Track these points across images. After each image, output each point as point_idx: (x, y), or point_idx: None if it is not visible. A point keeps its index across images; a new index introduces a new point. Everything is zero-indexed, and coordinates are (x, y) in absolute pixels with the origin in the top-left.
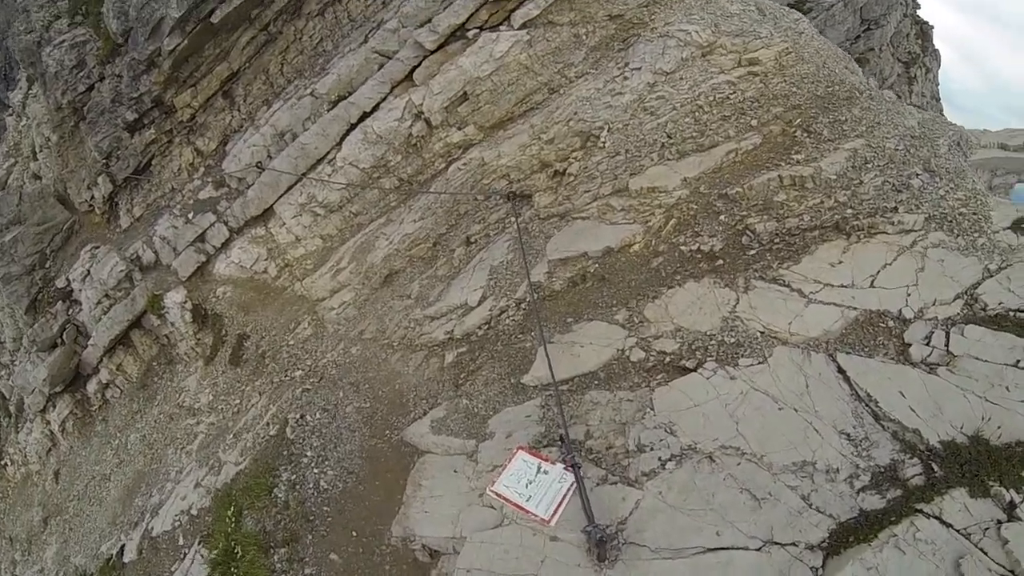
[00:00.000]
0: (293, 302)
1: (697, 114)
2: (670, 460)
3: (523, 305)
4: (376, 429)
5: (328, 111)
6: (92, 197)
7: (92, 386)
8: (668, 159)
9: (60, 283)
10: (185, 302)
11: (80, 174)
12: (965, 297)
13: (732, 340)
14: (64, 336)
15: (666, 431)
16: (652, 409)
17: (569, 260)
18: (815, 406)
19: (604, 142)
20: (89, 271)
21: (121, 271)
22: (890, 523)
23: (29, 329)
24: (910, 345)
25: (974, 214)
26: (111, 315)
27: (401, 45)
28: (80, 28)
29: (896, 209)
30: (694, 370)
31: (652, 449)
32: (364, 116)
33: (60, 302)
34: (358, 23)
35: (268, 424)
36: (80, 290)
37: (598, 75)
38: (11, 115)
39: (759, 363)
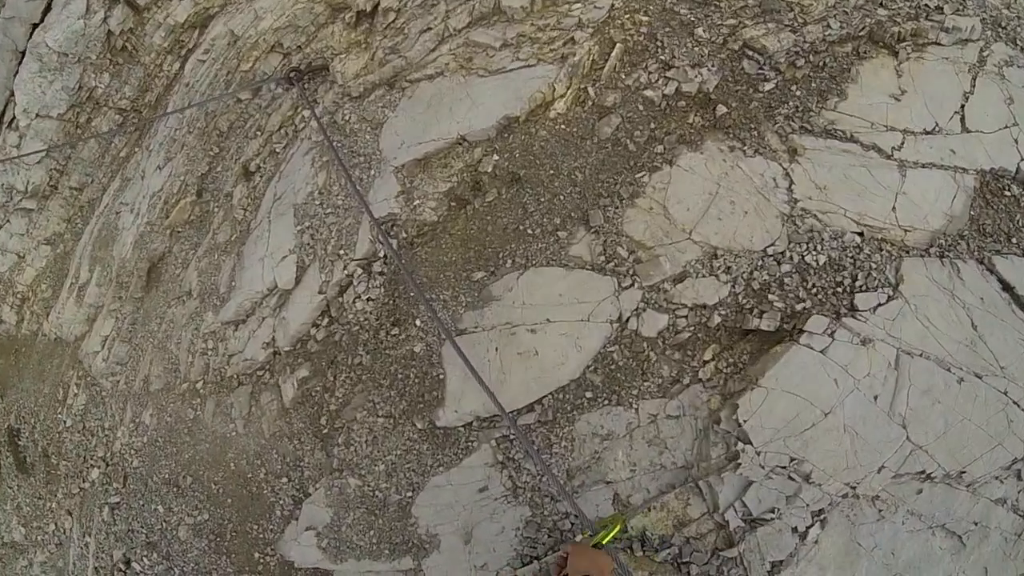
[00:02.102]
0: (50, 353)
1: None
2: (812, 525)
3: (378, 266)
4: (238, 557)
5: None
6: None
7: None
8: None
9: None
10: None
11: None
12: None
13: (820, 259)
14: None
15: (787, 474)
16: (735, 436)
17: (434, 160)
18: (998, 360)
19: None
20: None
21: None
22: None
23: None
24: None
25: (1018, 18)
26: None
27: None
28: None
29: (941, 9)
30: (790, 337)
31: (777, 516)
32: (33, 31)
33: None
34: None
35: (97, 571)
36: None
37: None
38: None
39: (888, 299)
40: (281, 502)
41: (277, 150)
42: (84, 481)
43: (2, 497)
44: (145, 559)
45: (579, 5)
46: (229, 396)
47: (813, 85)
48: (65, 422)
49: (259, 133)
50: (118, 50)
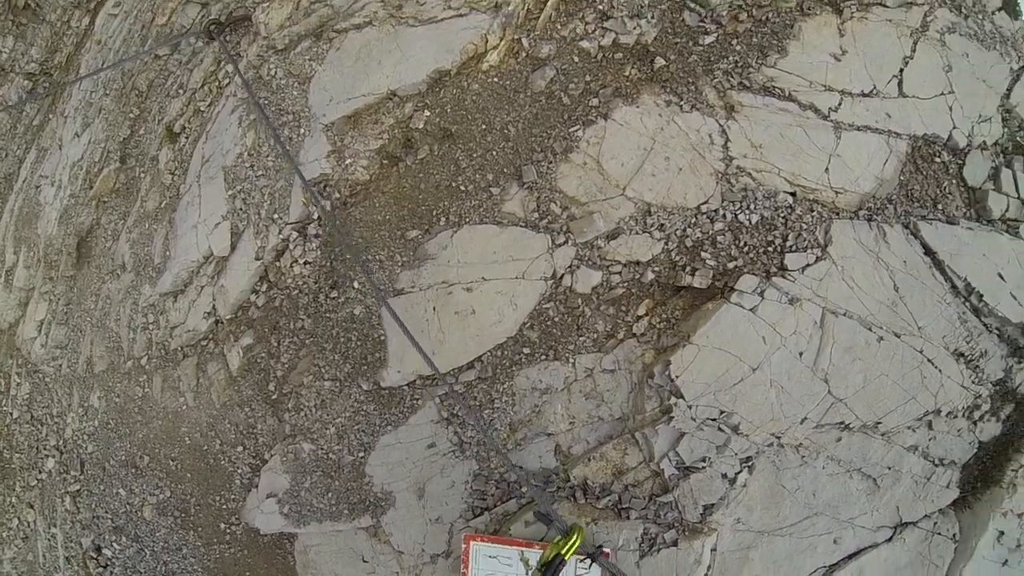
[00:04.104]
0: None
1: None
2: (740, 472)
3: (313, 228)
4: (205, 530)
5: None
6: None
7: None
8: None
9: None
10: None
11: None
12: (1001, 111)
13: (753, 219)
14: None
15: (717, 426)
16: (668, 390)
17: (364, 116)
18: (916, 320)
19: None
20: None
21: None
22: (1015, 451)
23: None
24: (976, 190)
25: None
26: None
27: None
28: None
29: None
30: (720, 295)
31: (708, 464)
32: None
33: None
34: None
35: (69, 561)
36: None
37: None
38: None
39: (816, 260)
40: (239, 471)
41: (202, 108)
42: (40, 472)
43: None
44: (115, 544)
45: None
46: (176, 370)
47: (754, 40)
48: (12, 414)
49: (181, 91)
50: (20, 8)
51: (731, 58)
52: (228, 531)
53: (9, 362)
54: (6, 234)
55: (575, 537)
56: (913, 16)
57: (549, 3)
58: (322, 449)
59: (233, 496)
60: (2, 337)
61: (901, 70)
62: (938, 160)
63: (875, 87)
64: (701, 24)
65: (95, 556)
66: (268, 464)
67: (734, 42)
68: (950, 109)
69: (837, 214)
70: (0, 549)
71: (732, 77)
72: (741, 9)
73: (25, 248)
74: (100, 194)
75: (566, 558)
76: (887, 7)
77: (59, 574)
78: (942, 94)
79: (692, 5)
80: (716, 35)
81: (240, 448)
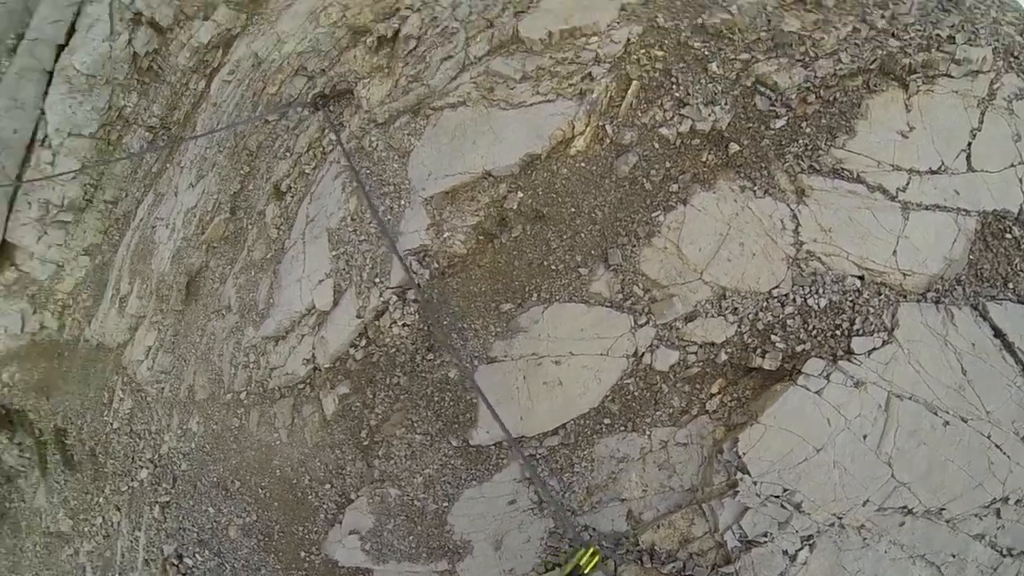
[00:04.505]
0: (94, 360)
1: None
2: (802, 548)
3: (412, 294)
4: (285, 555)
5: (8, 66)
6: None
7: None
8: None
9: None
10: None
11: None
12: None
13: (821, 302)
14: None
15: (780, 503)
16: (736, 466)
17: (461, 193)
18: (984, 404)
19: None
20: None
21: None
22: None
23: None
24: None
25: None
26: None
27: None
28: None
29: (953, 39)
30: (788, 377)
31: (770, 539)
32: (59, 52)
33: None
34: None
35: (148, 564)
36: None
37: None
38: None
39: (883, 343)
40: (325, 506)
41: (307, 171)
42: (132, 480)
43: (50, 490)
44: (197, 555)
45: (596, 39)
46: (272, 407)
47: (823, 122)
48: (112, 424)
49: (288, 154)
50: (144, 70)
51: (801, 141)
52: (307, 560)
53: (115, 378)
54: (123, 265)
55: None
56: (979, 85)
57: (630, 91)
58: (408, 495)
59: (316, 528)
60: (110, 355)
61: (969, 143)
62: (1008, 236)
63: (943, 163)
64: (772, 108)
65: (176, 563)
66: (354, 503)
67: (804, 124)
68: (1020, 181)
69: (904, 297)
70: (79, 542)
71: (802, 160)
72: (809, 91)
73: (139, 280)
74: (210, 240)
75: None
76: (952, 77)
77: (134, 573)
78: (1012, 165)
79: (762, 89)
80: (786, 119)
81: (328, 486)
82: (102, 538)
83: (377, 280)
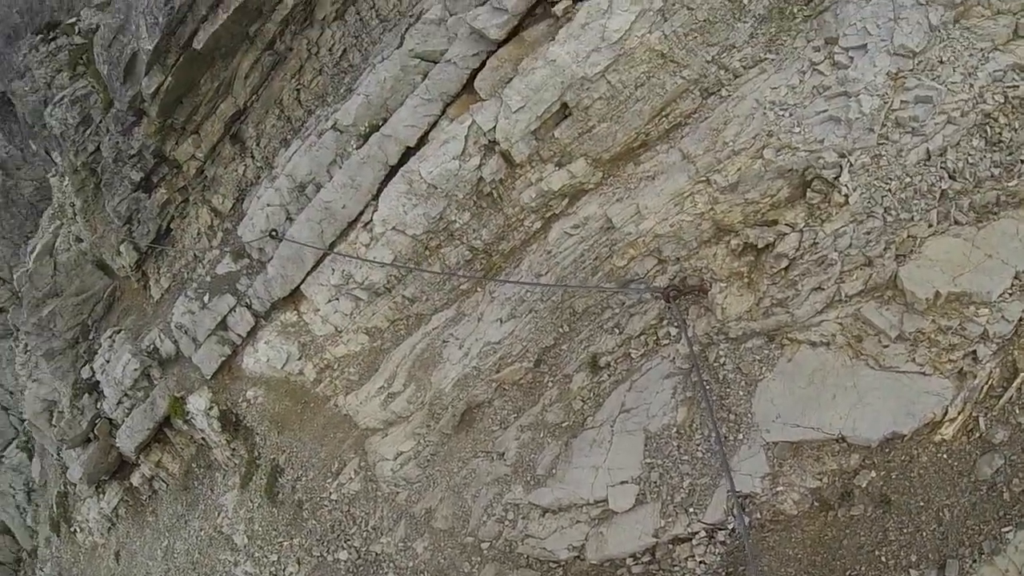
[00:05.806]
0: (336, 424)
1: (989, 128)
2: None
3: (722, 535)
4: None
5: (356, 150)
6: (120, 266)
7: (136, 478)
8: (959, 221)
9: (86, 373)
10: (210, 408)
11: (108, 239)
12: None
13: None
14: (96, 431)
15: None
16: None
17: (807, 450)
18: None
19: (847, 190)
20: (108, 361)
21: (135, 369)
22: None
23: (55, 428)
24: None
25: None
26: (130, 422)
27: (451, 41)
28: (81, 80)
29: None
30: None
31: None
32: (407, 154)
33: (87, 394)
34: (391, 22)
35: None
36: (104, 382)
37: (781, 61)
38: (54, 175)
39: None
40: None
41: (633, 355)
42: (328, 553)
43: (241, 501)
44: None
45: (986, 311)
46: (513, 572)
47: None
48: (331, 495)
49: (617, 331)
50: (484, 195)
51: None
52: None
53: (352, 456)
54: (402, 363)
55: None
56: None
57: (1015, 384)
58: None
59: None
60: (355, 431)
61: None
62: None
63: None
64: None
65: None
66: None
67: None
68: None
69: None
70: (244, 560)
71: None
72: None
73: (415, 386)
74: (504, 381)
75: None
76: None
77: None
78: None
79: None
80: None
81: None
82: (268, 572)
83: (690, 509)
